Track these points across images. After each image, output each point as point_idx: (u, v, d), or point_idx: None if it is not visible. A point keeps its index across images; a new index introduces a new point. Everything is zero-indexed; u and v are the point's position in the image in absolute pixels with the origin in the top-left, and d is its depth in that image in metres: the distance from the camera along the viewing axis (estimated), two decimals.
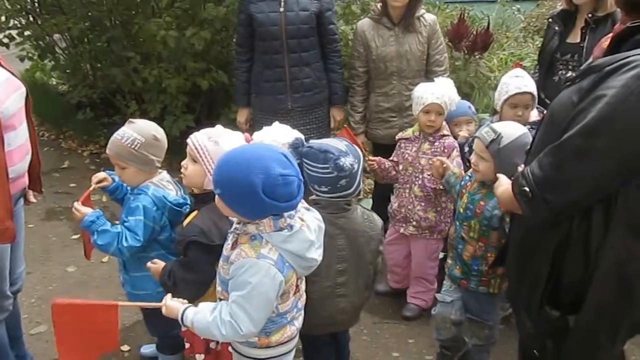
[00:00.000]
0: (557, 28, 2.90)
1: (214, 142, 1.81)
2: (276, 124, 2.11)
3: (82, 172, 4.47)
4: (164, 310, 1.63)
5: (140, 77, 4.38)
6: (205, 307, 1.57)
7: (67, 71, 5.13)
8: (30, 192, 2.24)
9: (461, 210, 2.25)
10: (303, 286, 1.72)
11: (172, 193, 2.11)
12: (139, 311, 2.53)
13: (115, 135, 2.04)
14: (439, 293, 2.43)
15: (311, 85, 3.10)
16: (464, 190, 2.28)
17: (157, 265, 1.87)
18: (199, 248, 1.76)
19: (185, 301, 1.63)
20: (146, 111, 4.49)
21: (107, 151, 2.05)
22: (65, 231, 3.71)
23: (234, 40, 4.65)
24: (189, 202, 2.14)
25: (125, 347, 2.69)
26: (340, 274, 1.95)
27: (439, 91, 2.57)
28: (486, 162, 2.07)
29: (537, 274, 1.55)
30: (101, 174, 2.17)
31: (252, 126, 3.14)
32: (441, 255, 2.87)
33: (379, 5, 3.06)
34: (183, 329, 2.05)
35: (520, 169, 1.58)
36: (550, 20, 3.02)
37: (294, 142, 1.89)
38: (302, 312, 1.75)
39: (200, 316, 1.56)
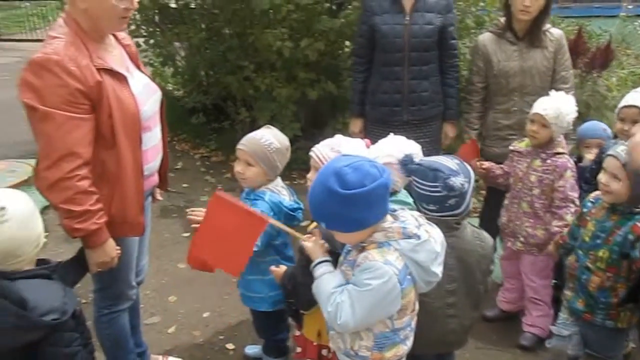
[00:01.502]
0: None
1: (337, 152, 1.83)
2: (392, 135, 2.10)
3: (194, 173, 4.72)
4: (305, 245, 1.66)
5: (253, 85, 4.55)
6: (336, 277, 1.57)
7: (185, 78, 5.43)
8: (157, 190, 2.36)
9: (586, 238, 2.11)
10: (417, 306, 1.68)
11: (286, 198, 2.16)
12: (246, 311, 2.59)
13: (253, 134, 2.14)
14: (554, 325, 2.30)
15: (428, 98, 3.07)
16: (588, 218, 2.14)
17: (279, 269, 1.91)
18: None
19: (326, 252, 1.65)
20: (255, 118, 4.65)
21: (241, 147, 2.14)
22: (177, 229, 3.91)
23: (344, 51, 4.78)
24: (302, 206, 2.18)
25: (230, 346, 2.78)
26: (450, 294, 1.88)
27: (546, 103, 2.49)
28: (620, 182, 1.93)
29: None
30: None
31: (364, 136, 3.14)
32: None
33: (502, 19, 2.97)
34: (297, 333, 2.09)
35: None
36: None
37: (403, 159, 1.86)
38: (413, 332, 1.71)
39: (326, 280, 1.57)
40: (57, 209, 1.81)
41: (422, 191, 1.82)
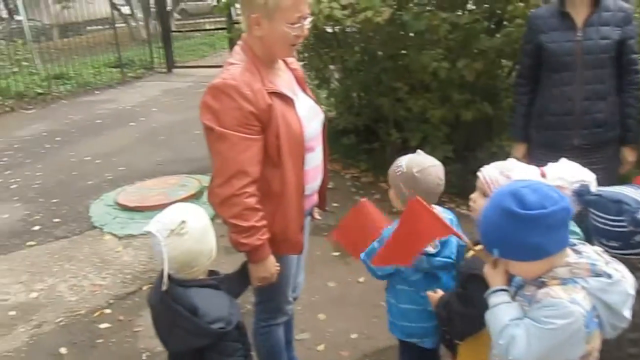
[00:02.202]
0: None
1: (507, 177, 1.71)
2: (564, 160, 1.92)
3: (344, 193, 4.79)
4: (486, 271, 1.52)
5: (405, 106, 4.52)
6: (513, 309, 1.43)
7: (338, 100, 5.58)
8: (315, 209, 2.41)
9: None
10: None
11: None
12: (393, 336, 2.51)
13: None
14: None
15: (603, 120, 2.78)
16: None
17: (436, 294, 1.84)
18: (480, 282, 1.66)
19: (507, 282, 1.50)
20: (406, 140, 4.61)
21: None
22: (327, 247, 3.97)
23: (502, 70, 4.56)
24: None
25: None
26: (633, 343, 1.64)
27: None
28: None
29: None
30: None
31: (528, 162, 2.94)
32: None
33: None
34: None
35: None
36: None
37: (579, 189, 1.68)
38: None
39: (503, 310, 1.43)
40: (227, 223, 1.92)
41: (602, 225, 1.64)
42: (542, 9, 2.95)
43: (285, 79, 2.05)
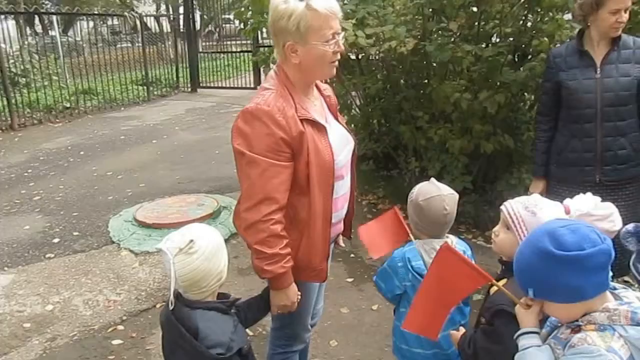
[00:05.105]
0: None
1: (531, 213, 1.69)
2: (589, 195, 1.89)
3: (361, 219, 4.70)
4: (518, 310, 1.47)
5: (425, 135, 4.52)
6: (544, 354, 1.38)
7: (358, 126, 5.61)
8: (340, 237, 2.36)
9: None
10: None
11: (422, 261, 2.02)
12: None
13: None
14: None
15: (626, 157, 2.76)
16: None
17: (458, 332, 1.81)
18: (507, 318, 1.61)
19: (538, 324, 1.45)
20: (425, 169, 4.60)
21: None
22: (342, 273, 3.97)
23: (525, 103, 4.56)
24: None
25: None
26: None
27: None
28: None
29: None
30: None
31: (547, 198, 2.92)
32: None
33: None
34: None
35: None
36: None
37: (635, 230, 1.62)
38: None
39: (533, 354, 1.38)
40: (251, 248, 1.90)
41: None
42: (562, 47, 2.96)
43: (317, 106, 2.04)
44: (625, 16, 2.63)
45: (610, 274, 1.34)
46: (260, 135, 1.83)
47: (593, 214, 1.76)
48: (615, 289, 1.37)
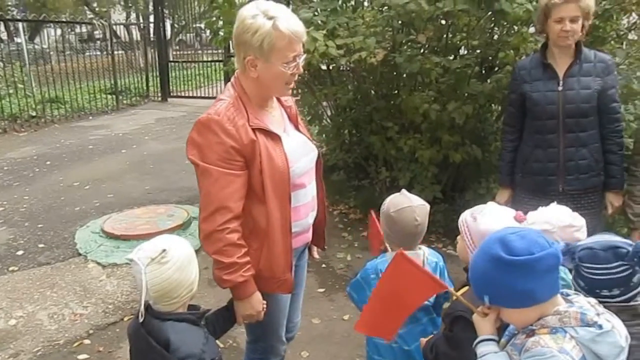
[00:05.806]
0: None
1: (473, 218, 1.74)
2: (553, 205, 1.94)
3: (331, 229, 4.78)
4: (475, 318, 1.51)
5: (395, 146, 4.57)
6: (501, 359, 1.42)
7: (329, 136, 5.64)
8: (315, 248, 2.38)
9: None
10: None
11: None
12: None
13: None
14: None
15: (587, 167, 2.85)
16: None
17: (425, 339, 1.84)
18: (465, 324, 1.65)
19: (495, 331, 1.48)
20: (396, 178, 4.65)
21: None
22: (312, 283, 3.95)
23: (492, 114, 4.66)
24: None
25: None
26: None
27: None
28: None
29: None
30: None
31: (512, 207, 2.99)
32: None
33: None
34: None
35: None
36: None
37: (565, 249, 1.63)
38: None
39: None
40: (212, 258, 1.91)
41: (599, 277, 1.59)
42: (527, 60, 3.05)
43: (275, 116, 2.06)
44: (571, 25, 2.68)
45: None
46: (212, 144, 1.85)
47: (574, 224, 1.82)
48: (568, 295, 1.42)
